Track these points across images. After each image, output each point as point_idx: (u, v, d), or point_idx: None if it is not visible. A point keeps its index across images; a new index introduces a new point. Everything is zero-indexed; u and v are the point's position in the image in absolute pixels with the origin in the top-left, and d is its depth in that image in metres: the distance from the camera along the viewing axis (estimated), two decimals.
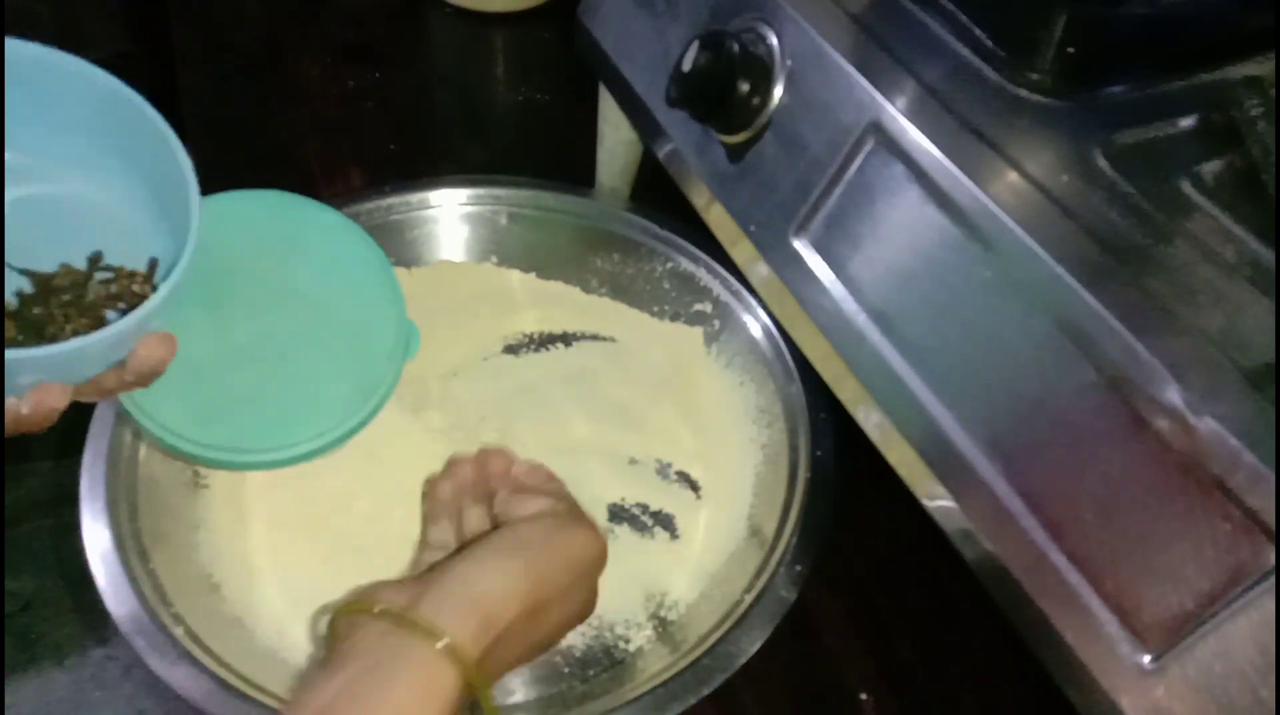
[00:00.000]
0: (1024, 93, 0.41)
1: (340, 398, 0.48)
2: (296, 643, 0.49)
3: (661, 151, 0.55)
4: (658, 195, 0.62)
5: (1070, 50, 0.41)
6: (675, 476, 0.57)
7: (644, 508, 0.56)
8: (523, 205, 0.65)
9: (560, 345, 0.63)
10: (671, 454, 0.58)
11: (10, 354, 0.35)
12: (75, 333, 0.39)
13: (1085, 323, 0.34)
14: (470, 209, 0.65)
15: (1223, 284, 0.35)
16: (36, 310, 0.40)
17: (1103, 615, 0.34)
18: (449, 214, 0.65)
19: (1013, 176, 0.38)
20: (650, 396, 0.60)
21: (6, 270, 0.41)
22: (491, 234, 0.65)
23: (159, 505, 0.50)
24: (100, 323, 0.40)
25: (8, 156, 0.42)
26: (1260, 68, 0.42)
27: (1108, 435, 0.33)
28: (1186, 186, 0.38)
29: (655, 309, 0.64)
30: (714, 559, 0.53)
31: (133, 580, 0.46)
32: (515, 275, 0.65)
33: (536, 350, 0.63)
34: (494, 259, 0.65)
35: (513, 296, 0.65)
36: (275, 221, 0.51)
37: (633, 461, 0.57)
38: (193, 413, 0.45)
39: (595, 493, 0.55)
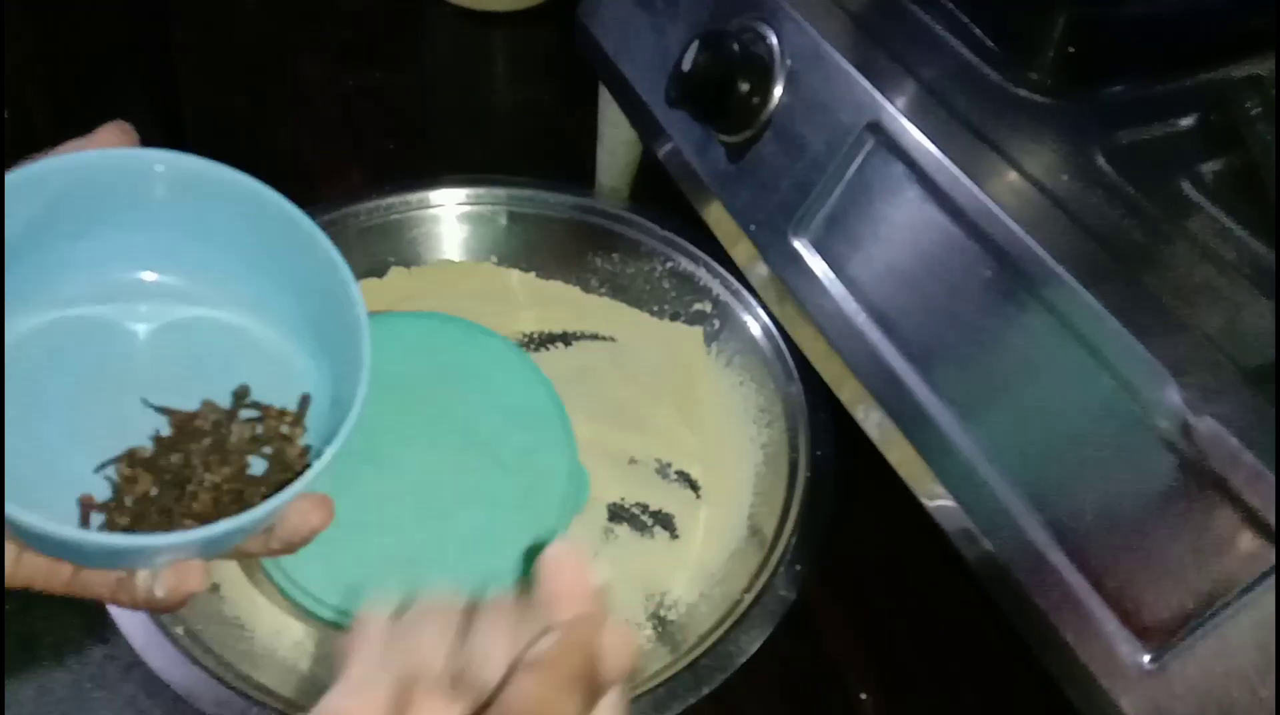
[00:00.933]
0: (1024, 92, 0.41)
1: (504, 565, 0.43)
2: (297, 642, 0.49)
3: (661, 151, 0.55)
4: (658, 195, 0.62)
5: (1070, 50, 0.41)
6: (675, 476, 0.57)
7: (644, 507, 0.56)
8: (523, 205, 0.65)
9: (560, 345, 0.63)
10: (671, 453, 0.58)
11: (150, 540, 0.31)
12: (214, 485, 0.35)
13: (1085, 322, 0.34)
14: (470, 209, 0.65)
15: (1223, 284, 0.35)
16: (174, 457, 0.36)
17: (1103, 615, 0.34)
18: (449, 214, 0.65)
19: (1013, 176, 0.38)
20: (650, 396, 0.60)
21: (144, 409, 0.37)
22: (491, 234, 0.65)
23: None
24: (242, 471, 0.36)
25: (155, 279, 0.38)
26: (1260, 68, 0.42)
27: (1108, 435, 0.33)
28: (1186, 186, 0.38)
29: (655, 309, 0.64)
30: (714, 559, 0.53)
31: None
32: (515, 275, 0.65)
33: (536, 350, 0.63)
34: (494, 259, 0.65)
35: (513, 296, 0.65)
36: (438, 350, 0.46)
37: (632, 461, 0.57)
38: (336, 575, 0.40)
39: (595, 492, 0.55)
